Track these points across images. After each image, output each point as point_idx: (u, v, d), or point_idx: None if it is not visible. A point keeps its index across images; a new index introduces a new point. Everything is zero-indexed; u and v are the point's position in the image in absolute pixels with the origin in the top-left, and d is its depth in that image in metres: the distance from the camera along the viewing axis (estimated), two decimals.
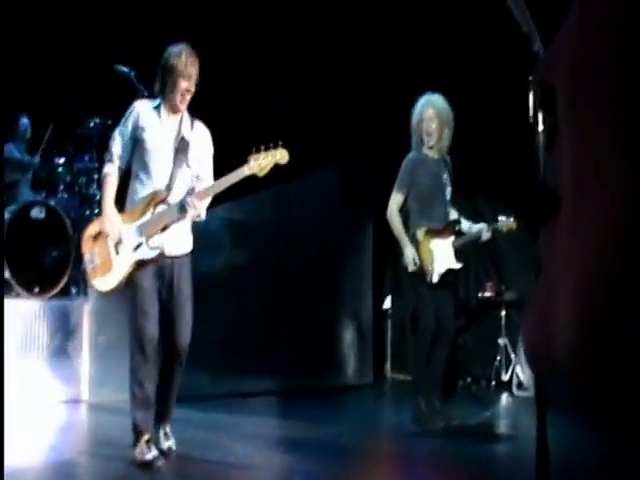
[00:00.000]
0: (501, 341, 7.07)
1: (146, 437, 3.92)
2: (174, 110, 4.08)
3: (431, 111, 5.20)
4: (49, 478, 3.80)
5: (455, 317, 5.39)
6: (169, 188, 4.01)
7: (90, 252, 4.12)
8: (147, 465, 3.83)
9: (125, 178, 4.15)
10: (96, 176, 6.79)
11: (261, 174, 4.00)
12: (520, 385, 6.84)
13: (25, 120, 7.36)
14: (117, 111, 4.29)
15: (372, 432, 5.37)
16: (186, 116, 4.16)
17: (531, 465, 2.23)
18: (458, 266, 5.20)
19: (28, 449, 4.38)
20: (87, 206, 7.00)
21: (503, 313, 7.12)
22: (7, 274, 6.14)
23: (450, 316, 5.19)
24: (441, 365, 5.13)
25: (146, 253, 3.97)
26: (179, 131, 4.09)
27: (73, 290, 6.69)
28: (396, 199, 5.24)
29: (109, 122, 6.54)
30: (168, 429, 4.13)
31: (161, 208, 4.00)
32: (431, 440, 4.85)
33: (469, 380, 7.32)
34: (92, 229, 4.16)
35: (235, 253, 6.70)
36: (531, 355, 1.55)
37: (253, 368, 6.42)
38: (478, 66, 6.93)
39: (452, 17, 7.23)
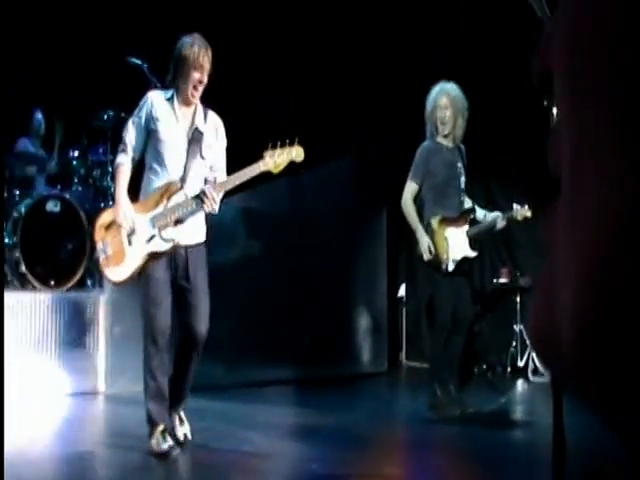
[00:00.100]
0: (516, 327, 7.06)
1: (161, 428, 3.92)
2: (187, 101, 4.05)
3: (445, 99, 5.16)
4: (66, 470, 3.81)
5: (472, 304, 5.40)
6: (183, 179, 3.99)
7: (102, 241, 4.07)
8: (163, 455, 3.84)
9: (139, 170, 4.14)
10: (110, 168, 6.82)
11: (276, 171, 4.00)
12: (536, 371, 6.84)
13: (39, 115, 7.40)
14: (131, 103, 4.28)
15: (388, 420, 5.38)
16: (200, 107, 4.13)
17: (547, 452, 2.24)
18: (473, 254, 5.18)
19: (45, 441, 4.42)
20: (102, 198, 7.03)
21: (518, 299, 7.12)
22: (23, 267, 6.19)
23: (467, 304, 5.18)
24: (458, 352, 5.12)
25: (159, 245, 3.96)
26: (192, 122, 4.07)
27: (89, 282, 6.74)
28: (410, 188, 5.22)
29: (123, 114, 6.53)
30: (183, 415, 4.16)
31: (175, 199, 3.99)
32: (447, 427, 4.85)
33: (485, 367, 7.32)
34: (105, 218, 4.12)
35: (249, 243, 6.72)
36: (534, 339, 1.56)
37: (268, 357, 6.44)
38: (478, 66, 6.92)
39: (452, 17, 7.22)
